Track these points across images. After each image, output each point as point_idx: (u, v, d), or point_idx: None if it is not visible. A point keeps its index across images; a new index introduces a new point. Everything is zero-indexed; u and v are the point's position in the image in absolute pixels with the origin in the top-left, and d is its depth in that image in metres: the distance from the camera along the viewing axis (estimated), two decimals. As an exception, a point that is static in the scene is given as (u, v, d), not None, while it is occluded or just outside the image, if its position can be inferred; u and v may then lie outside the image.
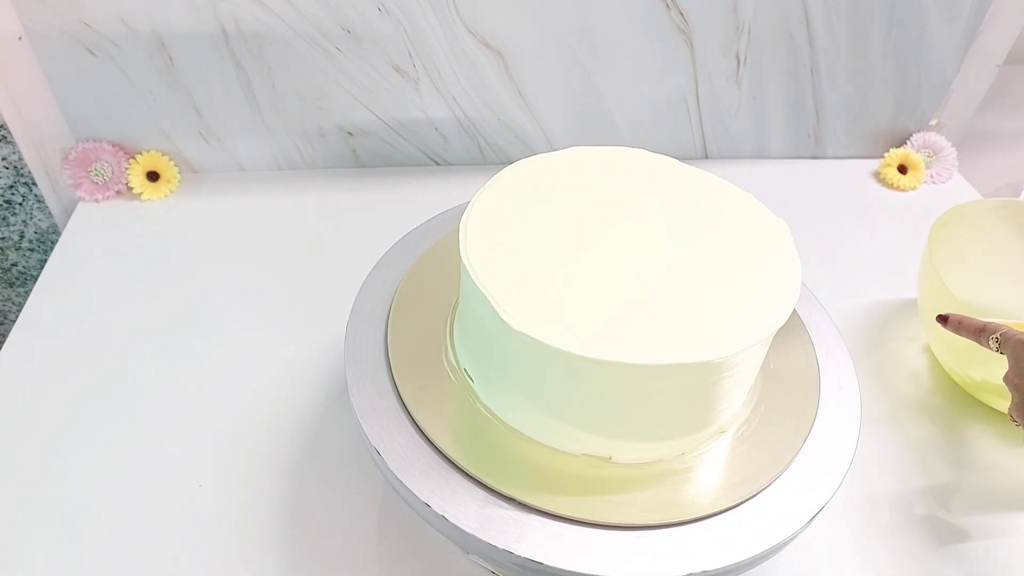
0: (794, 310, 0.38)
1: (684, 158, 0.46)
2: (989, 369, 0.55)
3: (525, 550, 0.35)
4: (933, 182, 0.84)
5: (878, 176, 0.84)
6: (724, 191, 0.44)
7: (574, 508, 0.37)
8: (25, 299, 0.68)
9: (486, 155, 0.79)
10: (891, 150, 0.84)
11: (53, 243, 0.73)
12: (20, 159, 0.68)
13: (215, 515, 0.48)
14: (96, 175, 0.71)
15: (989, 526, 0.51)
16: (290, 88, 0.70)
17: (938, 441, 0.56)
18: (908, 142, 0.84)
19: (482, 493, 0.37)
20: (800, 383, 0.44)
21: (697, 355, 0.34)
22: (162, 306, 0.62)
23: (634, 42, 0.71)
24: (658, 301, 0.37)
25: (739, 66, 0.75)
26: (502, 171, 0.43)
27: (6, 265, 0.76)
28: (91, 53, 0.65)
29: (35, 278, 0.75)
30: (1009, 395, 0.45)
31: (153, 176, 0.72)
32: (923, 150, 0.84)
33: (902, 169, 0.83)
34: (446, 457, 0.38)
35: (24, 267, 0.76)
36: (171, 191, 0.73)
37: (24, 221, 0.72)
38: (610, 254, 0.39)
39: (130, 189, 0.72)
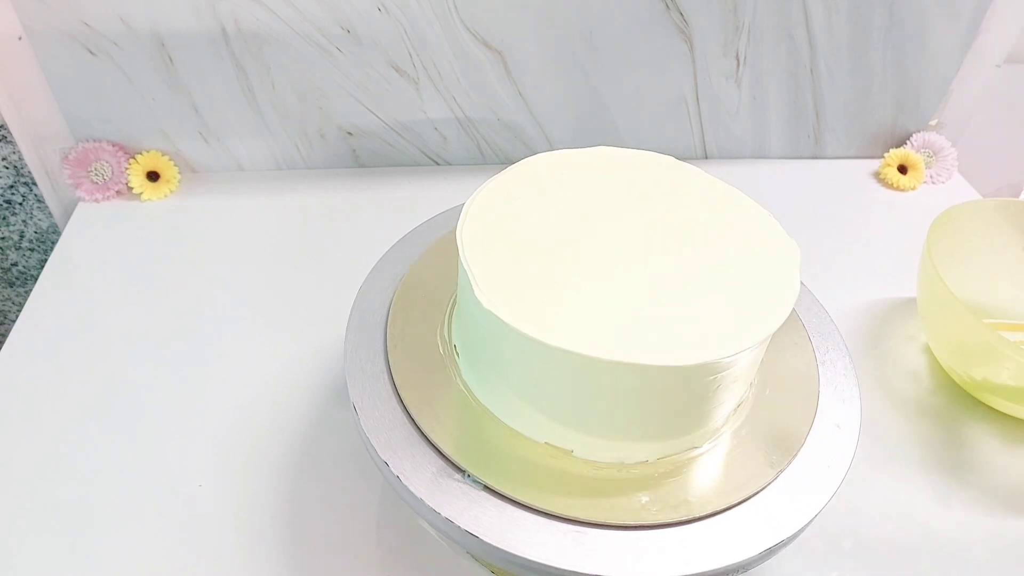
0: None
1: (684, 158, 0.46)
2: (989, 369, 0.55)
3: (466, 522, 0.36)
4: (933, 182, 0.84)
5: (878, 176, 0.84)
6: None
7: (521, 493, 0.37)
8: (25, 299, 0.68)
9: (486, 155, 0.79)
10: (891, 150, 0.84)
11: (53, 243, 0.73)
12: (20, 159, 0.68)
13: (215, 515, 0.48)
14: (96, 175, 0.71)
15: (989, 526, 0.51)
16: (290, 88, 0.70)
17: (938, 441, 0.56)
18: (908, 142, 0.84)
19: (440, 462, 0.38)
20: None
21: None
22: (162, 306, 0.62)
23: (634, 42, 0.71)
24: (651, 299, 0.37)
25: (739, 66, 0.75)
26: (512, 166, 0.44)
27: (6, 265, 0.76)
28: (91, 53, 0.65)
29: (35, 278, 0.76)
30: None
31: (153, 176, 0.72)
32: (923, 150, 0.84)
33: (902, 169, 0.83)
34: (416, 426, 0.39)
35: (24, 267, 0.76)
36: (171, 191, 0.73)
37: (24, 221, 0.72)
38: (603, 252, 0.39)
39: (130, 189, 0.72)
